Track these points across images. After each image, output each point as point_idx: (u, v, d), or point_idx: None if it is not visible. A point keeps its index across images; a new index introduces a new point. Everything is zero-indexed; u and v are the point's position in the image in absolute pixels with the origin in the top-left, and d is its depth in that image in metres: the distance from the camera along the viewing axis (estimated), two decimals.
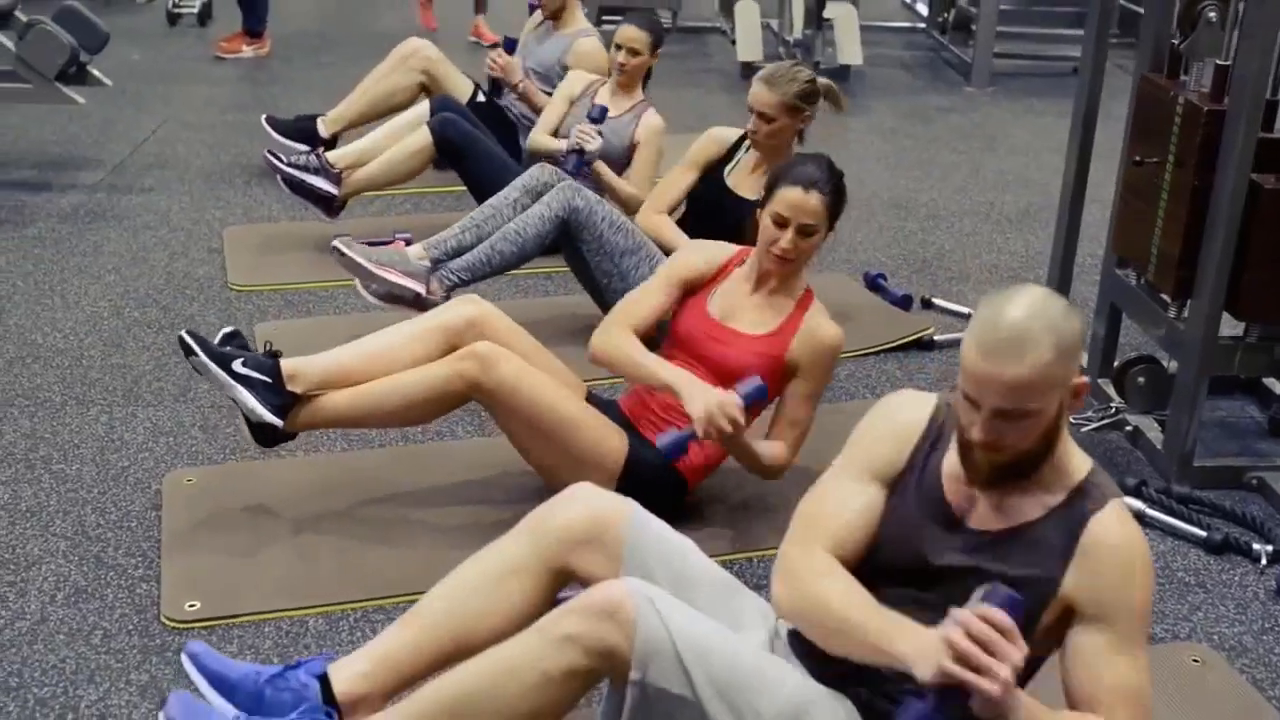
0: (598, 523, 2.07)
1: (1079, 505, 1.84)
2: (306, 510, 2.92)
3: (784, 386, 2.87)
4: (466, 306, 2.93)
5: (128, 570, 2.72)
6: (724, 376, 2.80)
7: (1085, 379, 1.82)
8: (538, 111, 4.59)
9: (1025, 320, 1.73)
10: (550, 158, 4.19)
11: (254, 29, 7.00)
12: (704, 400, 2.63)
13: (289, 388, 2.77)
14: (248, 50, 7.00)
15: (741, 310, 2.87)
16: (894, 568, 1.92)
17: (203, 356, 2.75)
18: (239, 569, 2.72)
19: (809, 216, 2.76)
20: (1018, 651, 1.65)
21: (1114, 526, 1.82)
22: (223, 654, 2.18)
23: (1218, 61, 3.07)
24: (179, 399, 3.41)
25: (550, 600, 2.07)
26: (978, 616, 1.66)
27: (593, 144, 4.07)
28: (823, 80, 3.63)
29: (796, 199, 2.76)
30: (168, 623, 2.56)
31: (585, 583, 2.03)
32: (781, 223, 2.77)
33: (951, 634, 1.66)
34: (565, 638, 1.85)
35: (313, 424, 2.83)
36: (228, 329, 2.90)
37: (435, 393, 2.77)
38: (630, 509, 2.10)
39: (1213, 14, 3.08)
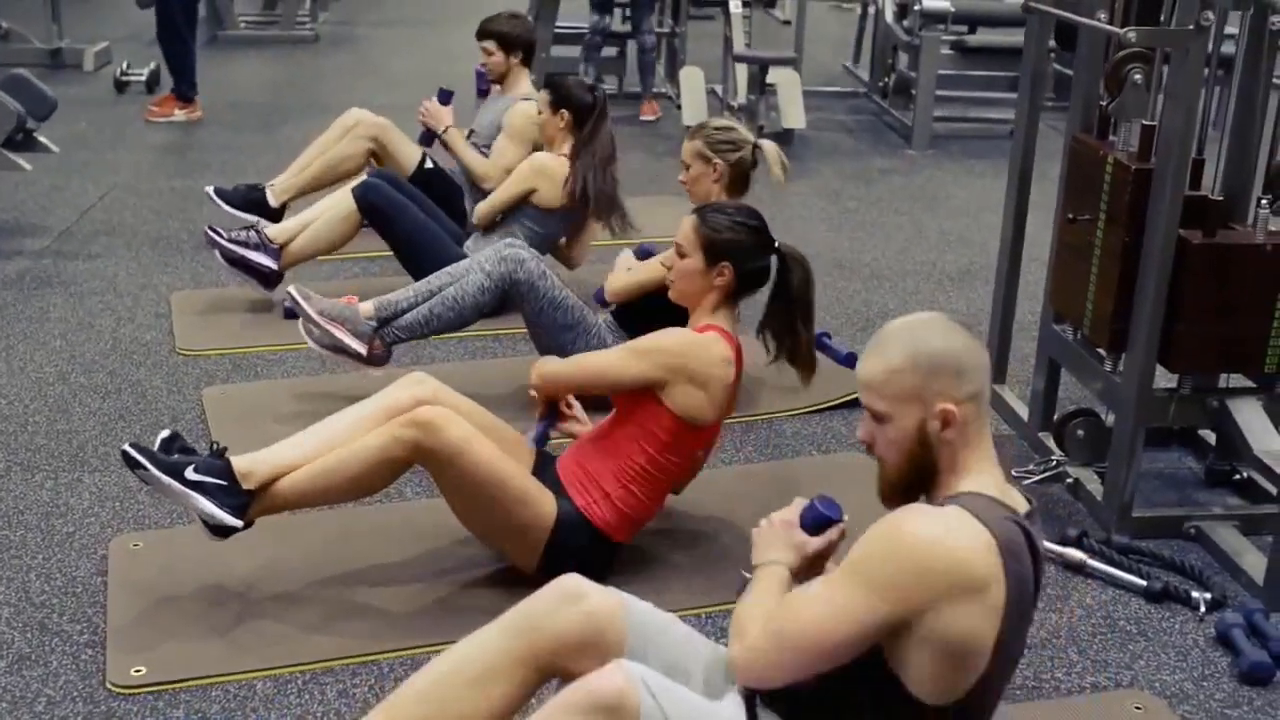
0: (596, 628, 2.02)
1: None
2: (253, 574, 2.91)
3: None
4: (415, 388, 2.93)
5: (73, 636, 2.70)
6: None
7: (950, 408, 1.87)
8: (460, 165, 4.71)
9: (894, 327, 1.93)
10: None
11: (185, 94, 7.04)
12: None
13: (244, 486, 2.74)
14: (179, 114, 7.03)
15: None
16: None
17: (152, 469, 2.68)
18: (186, 633, 2.71)
19: (680, 236, 2.94)
20: (787, 513, 2.10)
21: (910, 508, 1.87)
22: None
23: (1144, 122, 3.17)
24: (125, 464, 3.38)
25: (530, 697, 2.05)
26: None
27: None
28: (763, 142, 3.69)
29: (682, 222, 2.96)
30: (113, 689, 2.53)
31: (572, 679, 1.96)
32: None
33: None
34: None
35: (267, 511, 2.80)
36: (165, 433, 2.82)
37: (379, 460, 2.76)
38: (625, 607, 2.06)
39: (1138, 76, 3.19)
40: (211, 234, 4.36)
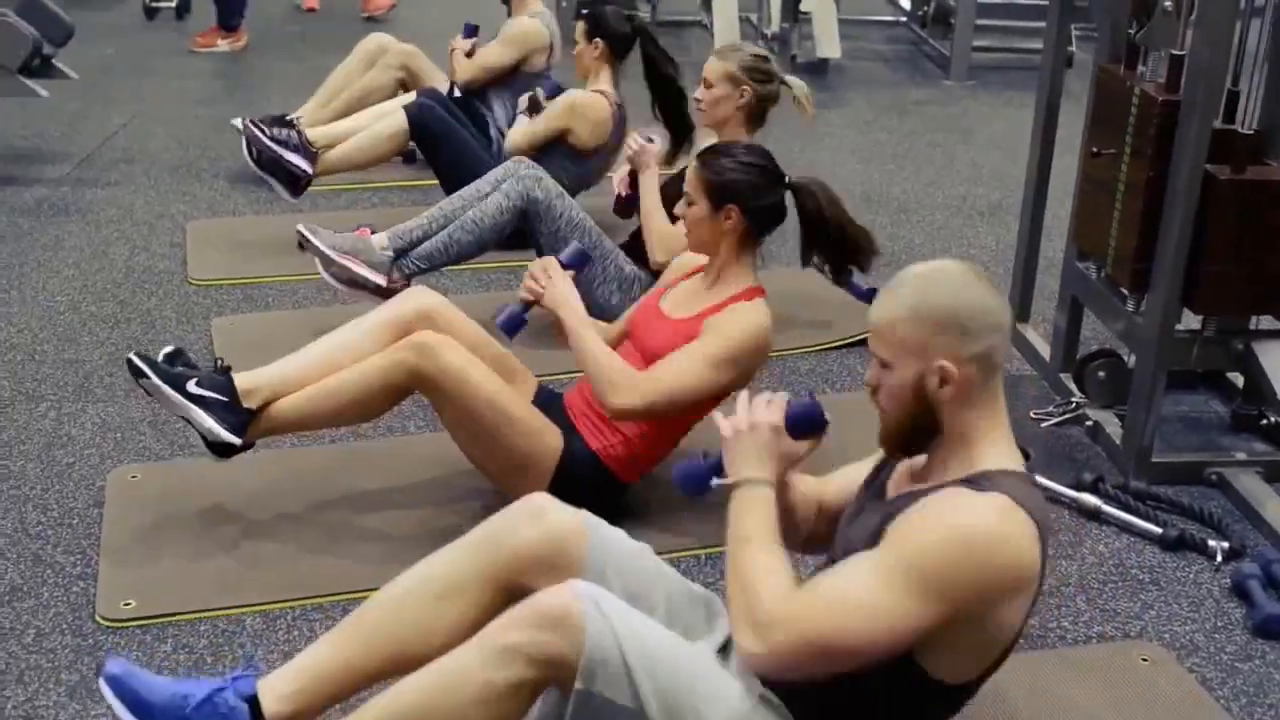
0: (556, 545, 1.99)
1: (957, 486, 1.78)
2: (250, 508, 2.89)
3: None
4: (417, 298, 2.92)
5: (65, 568, 2.69)
6: (649, 358, 2.80)
7: (949, 366, 1.76)
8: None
9: (910, 273, 1.83)
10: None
11: (229, 23, 6.97)
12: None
13: (245, 404, 2.71)
14: (223, 45, 6.96)
15: (684, 301, 2.87)
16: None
17: (154, 379, 2.66)
18: (178, 567, 2.69)
19: (688, 185, 2.80)
20: (767, 413, 1.92)
21: (959, 496, 1.73)
22: (148, 670, 2.03)
23: (1173, 52, 3.03)
24: (130, 395, 3.37)
25: (496, 614, 1.96)
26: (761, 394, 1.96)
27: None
28: (791, 78, 3.58)
29: (690, 167, 2.84)
30: (102, 622, 2.52)
31: None
32: None
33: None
34: (510, 649, 1.79)
35: (269, 433, 2.79)
36: (169, 348, 2.81)
37: (378, 385, 2.74)
38: (589, 528, 2.03)
39: (1168, 4, 3.04)
40: (252, 127, 4.28)
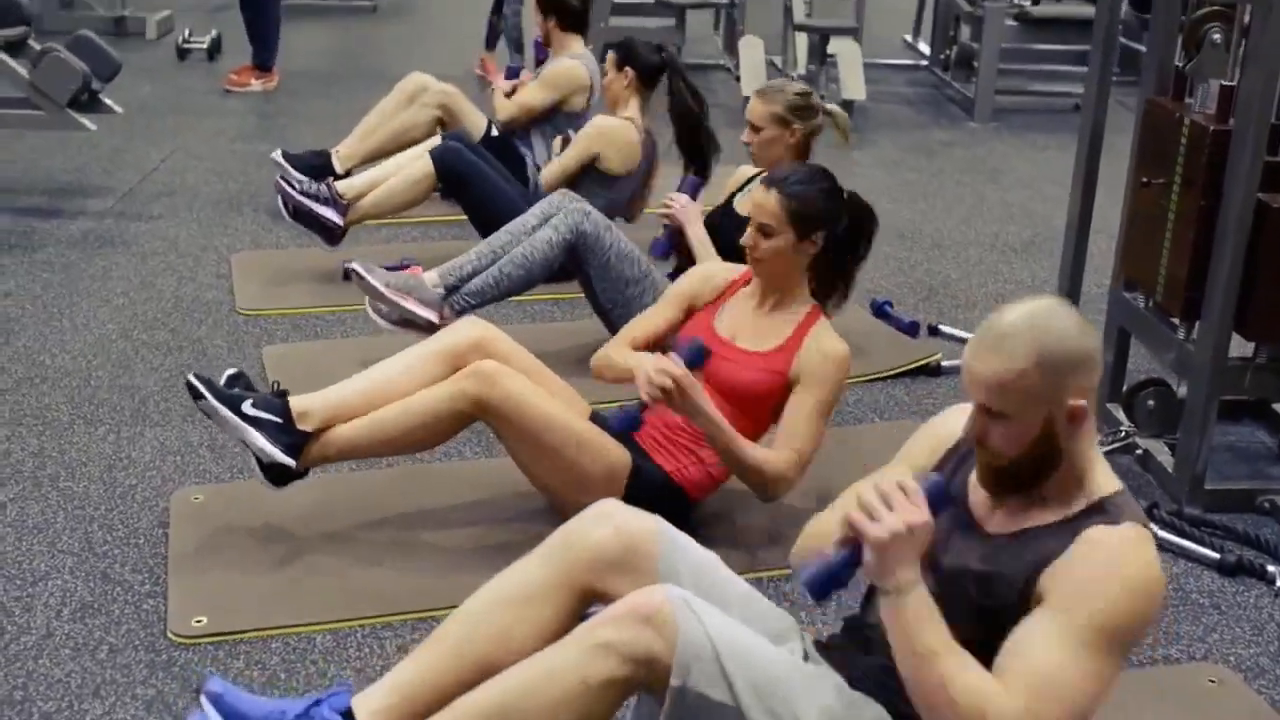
0: (629, 545, 2.01)
1: (1089, 519, 1.80)
2: (314, 528, 2.91)
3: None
4: (470, 329, 2.94)
5: (134, 586, 2.71)
6: (729, 394, 2.81)
7: (1082, 403, 1.76)
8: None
9: (1016, 323, 1.75)
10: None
11: (263, 63, 7.05)
12: (642, 364, 2.64)
13: (300, 426, 2.75)
14: (256, 84, 7.04)
15: (746, 328, 2.88)
16: None
17: (211, 400, 2.72)
18: (246, 585, 2.71)
19: (765, 215, 2.78)
20: (917, 513, 1.72)
21: (1114, 537, 1.75)
22: (243, 688, 2.08)
23: (1223, 83, 3.08)
24: (186, 419, 3.41)
25: (576, 620, 2.00)
26: (892, 484, 1.73)
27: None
28: (832, 106, 3.66)
29: (758, 196, 2.82)
30: (174, 638, 2.54)
31: (613, 601, 1.94)
32: (749, 221, 2.83)
33: (861, 489, 1.74)
34: (604, 645, 1.81)
35: (324, 459, 2.82)
36: (231, 370, 2.88)
37: (441, 414, 2.76)
38: (660, 527, 2.05)
39: (1217, 35, 3.10)
40: (283, 183, 4.35)
